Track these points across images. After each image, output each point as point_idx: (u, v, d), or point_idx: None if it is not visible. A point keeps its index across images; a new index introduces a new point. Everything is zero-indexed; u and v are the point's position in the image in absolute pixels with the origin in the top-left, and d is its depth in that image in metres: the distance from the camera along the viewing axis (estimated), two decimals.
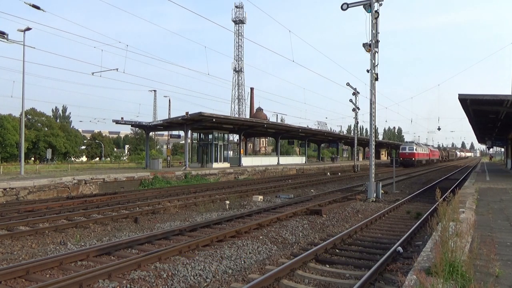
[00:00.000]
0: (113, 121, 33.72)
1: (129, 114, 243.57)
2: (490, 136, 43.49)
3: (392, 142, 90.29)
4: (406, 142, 65.09)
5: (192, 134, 37.45)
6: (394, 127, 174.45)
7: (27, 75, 56.48)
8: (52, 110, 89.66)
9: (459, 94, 16.46)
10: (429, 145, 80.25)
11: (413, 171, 44.00)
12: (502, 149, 67.20)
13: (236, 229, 10.29)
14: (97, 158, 77.22)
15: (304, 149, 62.46)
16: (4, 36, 21.96)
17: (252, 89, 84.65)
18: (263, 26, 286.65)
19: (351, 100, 39.70)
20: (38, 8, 21.11)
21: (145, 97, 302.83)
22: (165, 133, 50.48)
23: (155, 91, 67.64)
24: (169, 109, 54.61)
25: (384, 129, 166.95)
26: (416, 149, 56.32)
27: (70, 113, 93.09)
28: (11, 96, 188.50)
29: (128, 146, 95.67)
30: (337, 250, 8.86)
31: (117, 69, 28.34)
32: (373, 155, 18.82)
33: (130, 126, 37.89)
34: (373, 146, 18.74)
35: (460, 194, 11.95)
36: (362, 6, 17.64)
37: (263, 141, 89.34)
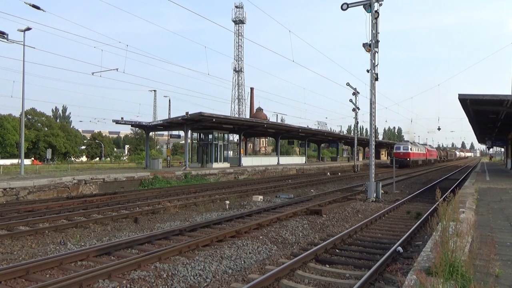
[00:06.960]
0: (113, 121, 33.80)
1: (129, 114, 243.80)
2: (490, 136, 43.45)
3: (392, 142, 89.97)
4: (401, 141, 63.45)
5: (192, 134, 37.44)
6: (394, 127, 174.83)
7: (27, 75, 56.51)
8: (52, 110, 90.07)
9: (459, 94, 16.46)
10: (426, 145, 79.10)
11: (413, 171, 43.96)
12: (502, 149, 67.10)
13: (236, 229, 10.29)
14: (97, 158, 77.22)
15: (304, 149, 62.43)
16: (4, 36, 21.95)
17: (252, 89, 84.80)
18: (263, 26, 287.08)
19: (351, 100, 39.74)
20: (38, 8, 21.12)
21: (145, 97, 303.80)
22: (165, 133, 50.56)
23: (155, 91, 67.98)
24: (169, 109, 54.85)
25: (384, 129, 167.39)
26: (411, 149, 54.03)
27: (70, 113, 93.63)
28: (11, 96, 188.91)
29: (128, 146, 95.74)
30: (337, 250, 8.86)
31: (117, 69, 28.39)
32: (373, 155, 18.83)
33: (130, 126, 37.96)
34: (373, 146, 18.75)
35: (460, 194, 11.95)
36: (362, 6, 17.66)
37: (263, 141, 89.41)
